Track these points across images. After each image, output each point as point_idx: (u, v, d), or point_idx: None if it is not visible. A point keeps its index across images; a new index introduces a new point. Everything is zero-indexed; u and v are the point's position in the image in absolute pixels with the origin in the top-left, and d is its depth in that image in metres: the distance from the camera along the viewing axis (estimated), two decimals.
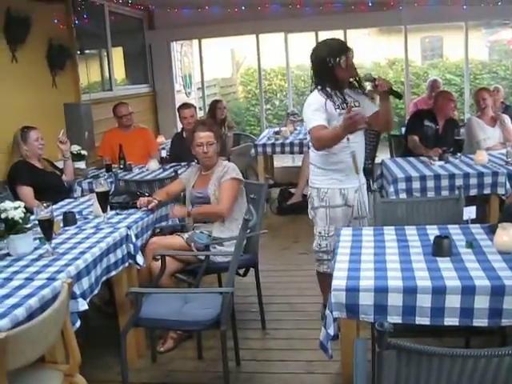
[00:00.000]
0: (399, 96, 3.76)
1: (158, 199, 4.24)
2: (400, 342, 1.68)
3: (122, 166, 5.95)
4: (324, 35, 8.67)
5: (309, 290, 4.69)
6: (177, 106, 9.44)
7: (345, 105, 3.70)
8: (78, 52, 7.15)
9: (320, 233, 3.88)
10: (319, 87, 3.77)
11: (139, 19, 9.44)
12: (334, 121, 3.66)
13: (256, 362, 3.83)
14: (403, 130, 7.24)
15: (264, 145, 7.64)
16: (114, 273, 3.54)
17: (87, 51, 7.61)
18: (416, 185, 4.89)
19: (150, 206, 4.16)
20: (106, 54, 8.36)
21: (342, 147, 3.70)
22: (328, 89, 3.74)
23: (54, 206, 4.33)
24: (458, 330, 2.88)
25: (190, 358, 3.89)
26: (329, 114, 3.68)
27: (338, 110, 3.70)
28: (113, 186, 5.15)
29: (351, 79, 3.83)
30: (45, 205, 3.27)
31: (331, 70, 3.68)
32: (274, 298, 4.73)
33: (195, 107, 6.78)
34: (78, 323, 2.90)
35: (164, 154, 6.45)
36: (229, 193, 4.14)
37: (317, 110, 3.68)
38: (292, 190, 7.51)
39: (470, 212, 3.25)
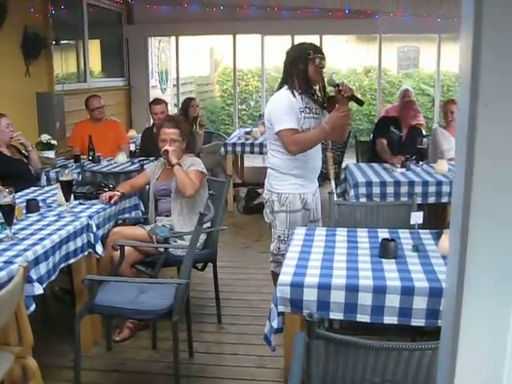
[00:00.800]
0: (361, 103, 3.84)
1: (121, 191, 4.30)
2: (328, 333, 1.78)
3: (90, 158, 5.99)
4: (300, 39, 8.81)
5: (266, 288, 4.77)
6: None
7: (307, 109, 3.80)
8: (54, 42, 7.18)
9: (279, 237, 3.90)
10: (287, 86, 3.77)
11: (118, 13, 9.47)
12: (299, 124, 3.72)
13: (209, 355, 3.91)
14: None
15: (234, 144, 7.75)
16: (72, 260, 3.61)
17: (63, 42, 7.62)
18: (376, 190, 5.02)
19: (112, 201, 4.21)
20: (82, 45, 8.37)
21: (305, 153, 3.78)
22: (296, 89, 3.74)
23: (20, 193, 4.39)
24: (405, 329, 3.00)
25: (145, 348, 3.97)
26: (297, 116, 3.72)
27: (302, 114, 3.78)
28: (79, 176, 5.21)
29: (315, 86, 3.91)
30: (7, 190, 3.33)
31: (306, 65, 3.70)
32: (232, 294, 4.82)
33: (167, 103, 6.83)
34: (33, 307, 2.96)
35: (133, 147, 6.50)
36: (195, 179, 4.19)
37: (288, 112, 3.68)
38: (259, 190, 7.62)
39: (417, 217, 3.38)
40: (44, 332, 3.87)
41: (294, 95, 3.74)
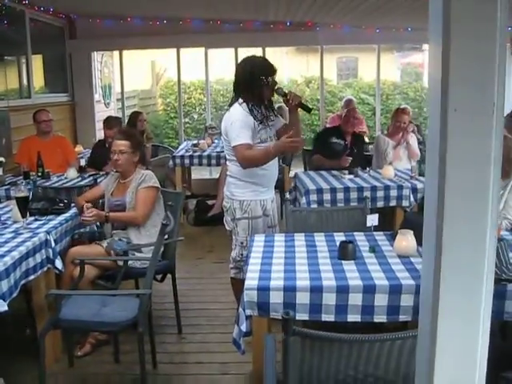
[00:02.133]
0: (309, 110, 3.97)
1: (87, 204, 4.29)
2: (303, 329, 1.87)
3: (40, 174, 5.93)
4: (243, 51, 8.97)
5: (223, 297, 4.86)
6: (96, 116, 9.50)
7: (264, 120, 3.90)
8: None
9: (242, 243, 4.00)
10: (241, 101, 3.88)
11: (60, 28, 9.38)
12: (256, 136, 3.84)
13: (172, 365, 3.94)
14: None
15: (182, 156, 7.80)
16: (32, 277, 3.59)
17: (5, 57, 7.53)
18: (327, 196, 5.16)
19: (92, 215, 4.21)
20: (24, 60, 8.26)
21: None
22: (250, 104, 3.85)
23: None
24: (365, 328, 3.11)
25: (107, 362, 3.96)
26: (252, 130, 3.83)
27: (259, 126, 3.89)
28: (30, 192, 5.15)
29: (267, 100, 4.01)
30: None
31: (261, 87, 3.82)
32: (189, 305, 4.85)
33: (121, 122, 6.91)
34: None
35: (83, 162, 6.48)
36: (144, 200, 4.26)
37: (242, 128, 3.79)
38: (209, 202, 7.68)
39: (372, 219, 3.52)
40: (4, 350, 3.84)
41: (248, 109, 3.85)
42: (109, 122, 6.76)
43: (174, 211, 4.26)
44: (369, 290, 2.68)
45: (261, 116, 3.88)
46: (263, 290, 2.71)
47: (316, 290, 2.69)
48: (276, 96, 3.99)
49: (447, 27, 1.14)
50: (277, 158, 4.10)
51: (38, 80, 8.85)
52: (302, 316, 2.69)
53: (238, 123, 3.82)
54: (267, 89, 3.85)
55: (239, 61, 4.13)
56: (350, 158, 5.96)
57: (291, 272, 2.89)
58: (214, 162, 7.82)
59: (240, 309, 2.77)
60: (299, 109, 3.91)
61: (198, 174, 10.53)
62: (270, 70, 3.89)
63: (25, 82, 8.28)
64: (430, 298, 1.26)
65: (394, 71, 15.74)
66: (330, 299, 2.68)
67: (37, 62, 8.77)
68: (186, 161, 7.85)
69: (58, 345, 3.99)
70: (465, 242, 1.23)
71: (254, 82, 3.82)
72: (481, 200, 1.21)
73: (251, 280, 2.79)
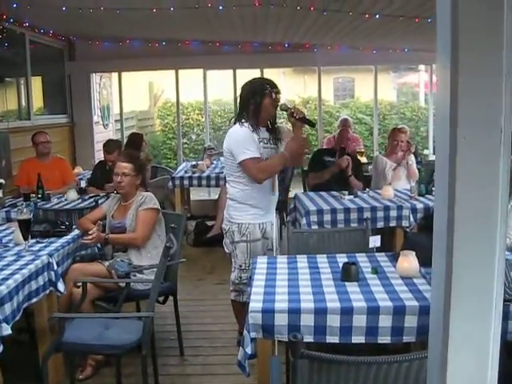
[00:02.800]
0: (313, 124, 3.99)
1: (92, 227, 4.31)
2: (312, 352, 1.88)
3: (40, 196, 5.93)
4: (242, 73, 9.03)
5: (224, 318, 4.84)
6: (95, 137, 9.53)
7: (265, 140, 3.94)
8: None
9: (240, 266, 4.01)
10: (243, 120, 3.91)
11: (60, 49, 9.44)
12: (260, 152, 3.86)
13: None
14: None
15: (181, 178, 7.81)
16: (35, 300, 3.58)
17: (5, 79, 7.57)
18: (327, 217, 5.17)
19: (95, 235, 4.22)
20: (24, 82, 8.30)
21: (262, 184, 3.91)
22: (252, 122, 3.88)
23: None
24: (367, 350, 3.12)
25: None
26: (257, 145, 3.86)
27: (261, 144, 3.92)
28: (31, 214, 5.16)
29: (270, 119, 4.04)
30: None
31: (262, 99, 3.85)
32: (190, 326, 4.84)
33: (120, 145, 6.94)
34: (1, 348, 2.95)
35: (83, 184, 6.49)
36: (144, 221, 4.28)
37: (250, 142, 3.82)
38: (208, 223, 7.69)
39: (374, 241, 3.54)
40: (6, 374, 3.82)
41: (252, 128, 3.88)
42: (109, 146, 6.76)
43: (176, 233, 4.27)
44: (373, 311, 2.69)
45: (263, 135, 3.92)
46: (268, 312, 2.72)
47: (320, 312, 2.70)
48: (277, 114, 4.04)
49: (455, 57, 1.17)
50: (277, 181, 4.13)
51: (38, 101, 8.89)
52: (307, 338, 2.70)
53: (243, 138, 3.85)
54: (270, 101, 3.88)
55: (239, 82, 4.18)
56: (346, 156, 6.02)
57: (295, 294, 2.90)
58: (213, 182, 7.84)
59: (245, 331, 2.78)
60: (304, 125, 3.93)
61: (197, 194, 10.54)
62: (272, 82, 3.98)
63: (24, 103, 8.31)
64: (440, 323, 1.27)
65: (391, 91, 15.87)
66: (334, 321, 2.69)
67: (36, 83, 8.82)
68: (186, 182, 7.86)
69: (59, 368, 3.97)
70: (474, 265, 1.25)
71: (257, 92, 3.88)
72: (489, 226, 1.23)
73: (255, 302, 2.79)
